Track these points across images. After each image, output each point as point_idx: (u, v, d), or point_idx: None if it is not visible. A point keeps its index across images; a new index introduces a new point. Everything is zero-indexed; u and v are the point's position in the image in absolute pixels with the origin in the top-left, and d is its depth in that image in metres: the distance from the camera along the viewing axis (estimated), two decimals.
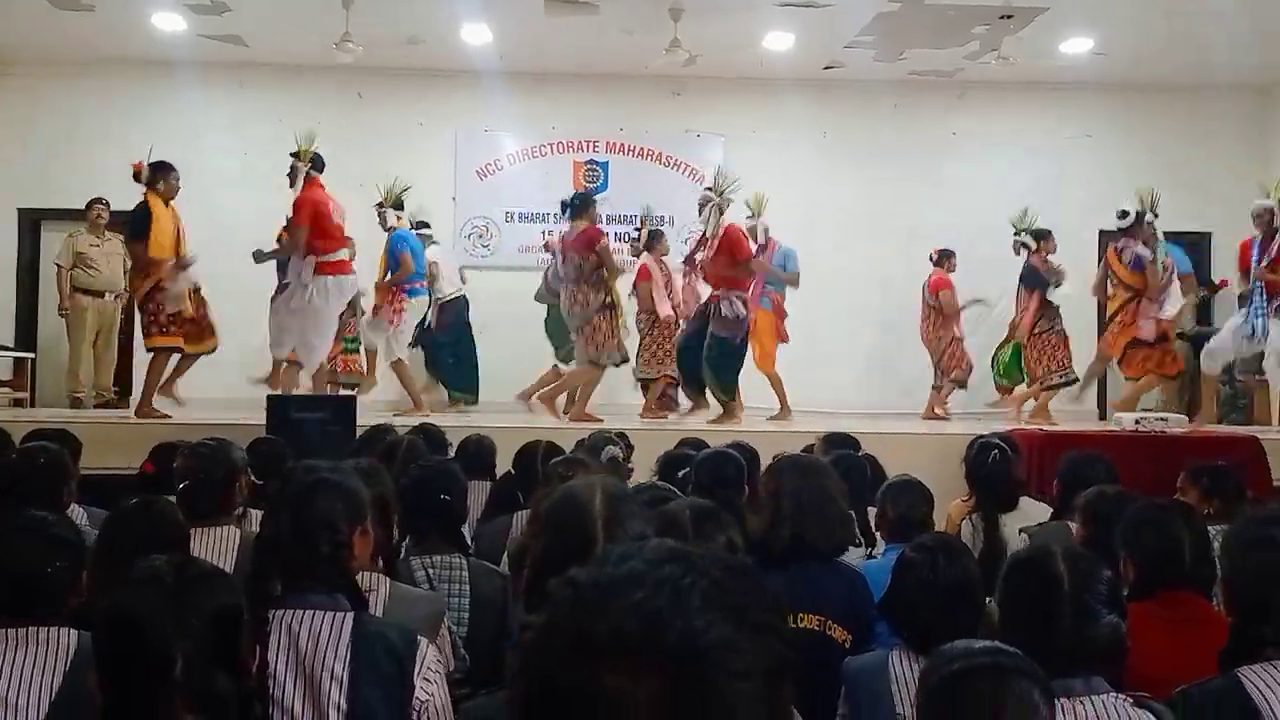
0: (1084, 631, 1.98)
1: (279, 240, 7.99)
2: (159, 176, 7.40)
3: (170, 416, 7.27)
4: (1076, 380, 8.69)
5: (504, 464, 4.93)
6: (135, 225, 7.41)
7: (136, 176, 7.42)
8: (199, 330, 7.49)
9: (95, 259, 9.04)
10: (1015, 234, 9.31)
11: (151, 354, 7.43)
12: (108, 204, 9.10)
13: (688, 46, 8.89)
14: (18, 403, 9.05)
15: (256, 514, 3.58)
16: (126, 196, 9.58)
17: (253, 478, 3.65)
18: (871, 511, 3.83)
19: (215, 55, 9.89)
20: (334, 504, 2.25)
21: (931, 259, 9.39)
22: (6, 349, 9.64)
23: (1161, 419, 7.14)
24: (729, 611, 0.80)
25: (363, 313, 8.56)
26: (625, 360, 8.09)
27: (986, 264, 9.46)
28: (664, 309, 8.48)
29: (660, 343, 8.69)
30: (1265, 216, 7.90)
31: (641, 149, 10.79)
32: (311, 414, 6.05)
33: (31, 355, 9.69)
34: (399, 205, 8.81)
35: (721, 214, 8.07)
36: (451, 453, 4.89)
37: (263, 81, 10.29)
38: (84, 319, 9.00)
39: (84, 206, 9.19)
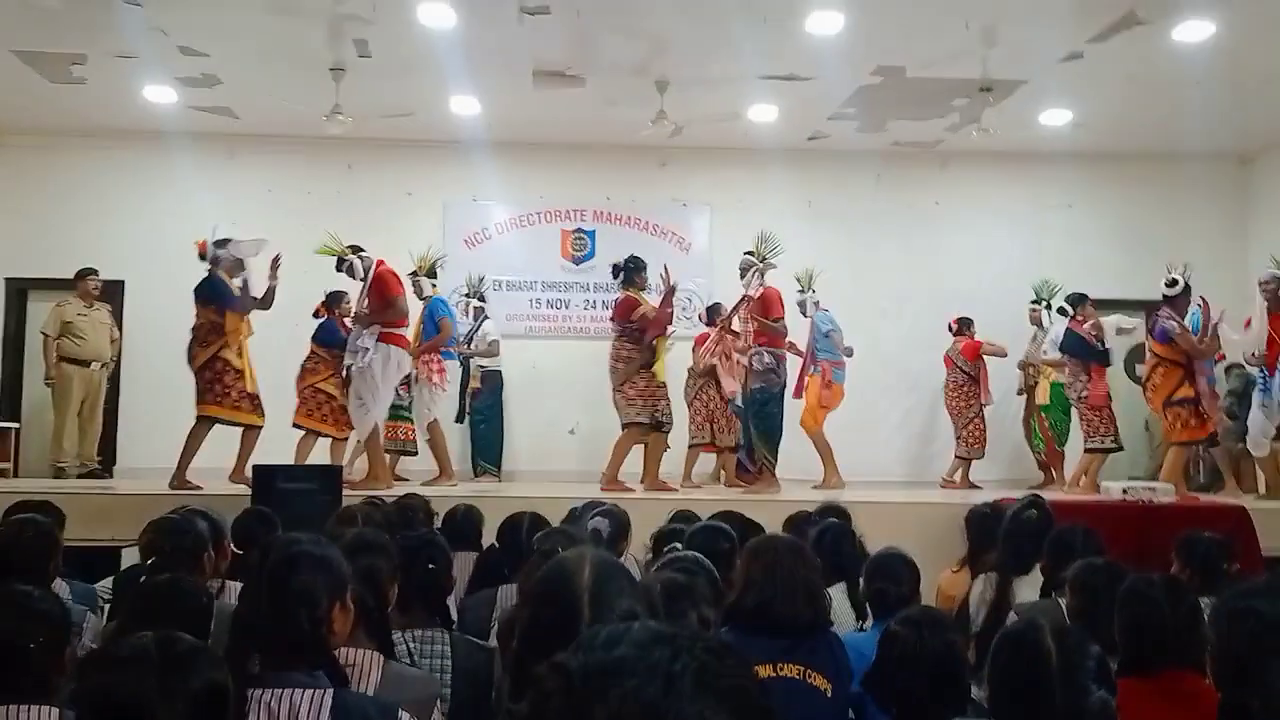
0: (1074, 708, 1.97)
1: (321, 311, 8.60)
2: (216, 258, 7.50)
3: (203, 488, 7.18)
4: (1120, 449, 8.74)
5: (490, 534, 4.89)
6: (211, 293, 7.41)
7: (202, 256, 7.50)
8: (254, 403, 7.50)
9: (83, 328, 9.05)
10: (1034, 302, 9.40)
11: (195, 423, 7.38)
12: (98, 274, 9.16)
13: (674, 118, 9.02)
14: (1, 473, 8.97)
15: (234, 586, 3.55)
16: (114, 267, 9.69)
17: (233, 548, 3.61)
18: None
19: (206, 126, 9.99)
20: (314, 577, 2.20)
21: (951, 329, 9.52)
22: None
23: (1149, 488, 7.15)
24: (719, 695, 0.81)
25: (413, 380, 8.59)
26: (664, 422, 8.11)
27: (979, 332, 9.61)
28: (729, 385, 8.53)
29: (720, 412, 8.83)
30: (1271, 285, 7.95)
31: (628, 218, 10.89)
32: (298, 484, 6.01)
33: (16, 425, 9.63)
34: (432, 274, 9.01)
35: (763, 277, 8.32)
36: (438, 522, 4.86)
37: (253, 152, 10.38)
38: (70, 388, 8.98)
39: (73, 276, 9.20)
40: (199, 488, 7.19)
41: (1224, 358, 8.83)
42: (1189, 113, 9.33)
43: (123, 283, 10.05)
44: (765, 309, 8.18)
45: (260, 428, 7.49)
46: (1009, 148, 10.08)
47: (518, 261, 10.71)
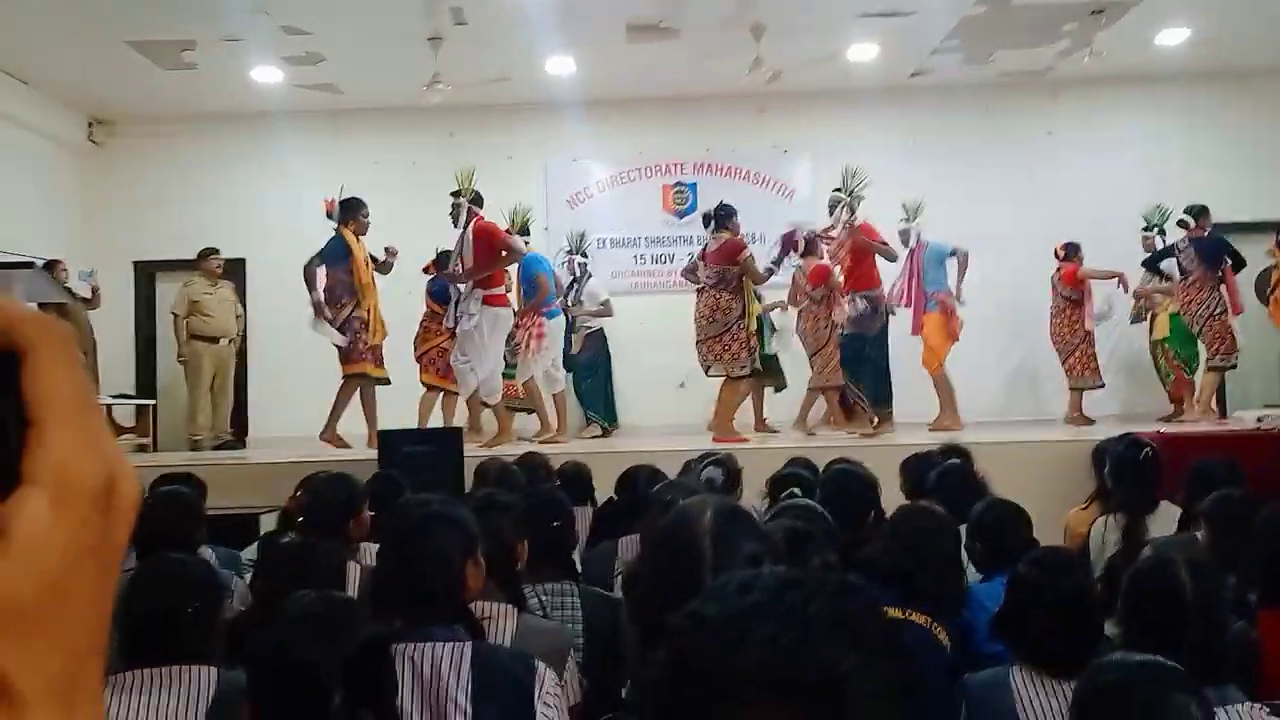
0: (1212, 642, 1.93)
1: (431, 268, 8.72)
2: (350, 212, 7.79)
3: (351, 447, 7.50)
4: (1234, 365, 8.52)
5: (602, 488, 4.98)
6: (334, 255, 7.73)
7: (329, 215, 7.78)
8: (379, 358, 7.82)
9: (210, 306, 9.39)
10: (1147, 229, 9.12)
11: (343, 381, 7.72)
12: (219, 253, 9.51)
13: (770, 64, 8.88)
14: (141, 448, 9.41)
15: (368, 546, 3.68)
16: (234, 245, 10.03)
17: (369, 512, 3.75)
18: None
19: (311, 104, 10.23)
20: (445, 537, 2.28)
21: (1058, 255, 9.25)
22: (129, 397, 10.03)
23: None
24: (855, 637, 0.82)
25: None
26: (758, 370, 8.09)
27: (1092, 262, 9.29)
28: (838, 313, 8.41)
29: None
30: None
31: (729, 168, 10.81)
32: (422, 447, 6.18)
33: (152, 402, 10.07)
34: (525, 230, 8.86)
35: (853, 213, 8.11)
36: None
37: (357, 126, 10.59)
38: (201, 364, 9.35)
39: (197, 256, 9.55)
40: (347, 446, 7.51)
41: None
42: None
43: (244, 260, 10.40)
44: (868, 237, 7.99)
45: (385, 381, 7.74)
46: (1124, 71, 9.70)
47: (620, 218, 10.74)
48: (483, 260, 7.67)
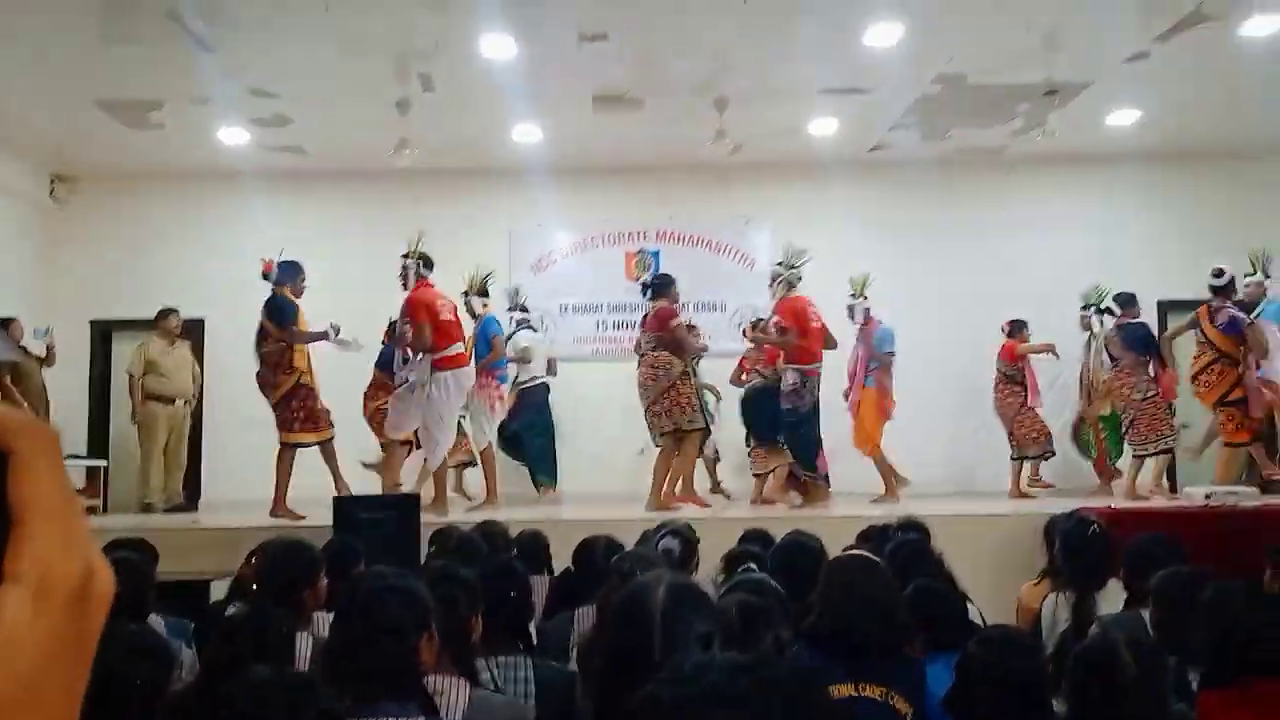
0: None
1: (385, 338, 8.51)
2: (289, 276, 7.70)
3: (305, 518, 7.26)
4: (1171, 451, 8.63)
5: (558, 557, 4.96)
6: (283, 314, 7.60)
7: (266, 275, 7.70)
8: (321, 420, 7.68)
9: (166, 366, 9.30)
10: (1084, 308, 9.29)
11: (281, 450, 7.57)
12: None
13: (733, 136, 9.06)
14: (91, 510, 9.25)
15: (324, 616, 3.63)
16: (193, 305, 9.97)
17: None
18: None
19: (277, 165, 10.26)
20: (399, 611, 2.29)
21: (1004, 330, 9.41)
22: (80, 457, 9.88)
23: (1233, 493, 6.99)
24: None
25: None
26: (706, 427, 8.13)
27: (1043, 338, 9.48)
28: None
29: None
30: None
31: (692, 236, 10.94)
32: (377, 514, 6.13)
33: (104, 463, 9.93)
34: (484, 292, 8.96)
35: (791, 288, 8.16)
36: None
37: (322, 188, 10.63)
38: (156, 425, 9.23)
39: (155, 316, 9.48)
40: (301, 517, 7.31)
41: None
42: (1258, 108, 9.16)
43: (203, 321, 10.34)
44: (792, 320, 7.98)
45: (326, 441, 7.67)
46: (1076, 150, 9.96)
47: (583, 285, 10.82)
48: (418, 330, 7.60)
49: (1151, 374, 8.51)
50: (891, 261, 10.19)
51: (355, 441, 8.38)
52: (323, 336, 7.65)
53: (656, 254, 10.89)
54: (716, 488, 9.10)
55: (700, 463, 8.80)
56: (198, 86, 8.40)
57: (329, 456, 7.67)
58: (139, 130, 9.35)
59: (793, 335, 7.96)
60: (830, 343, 8.20)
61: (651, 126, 9.44)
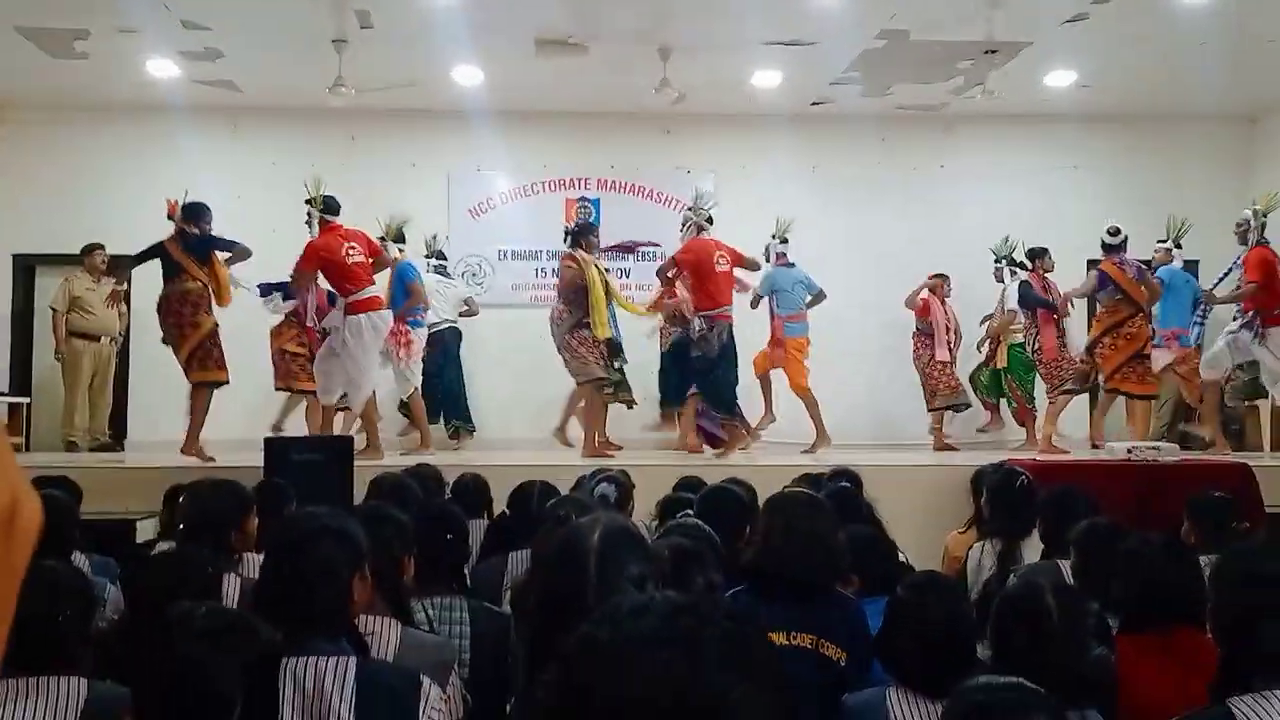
0: (1074, 666, 2.02)
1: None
2: (194, 217, 7.48)
3: (215, 459, 7.17)
4: (1080, 391, 8.82)
5: (498, 500, 4.96)
6: (205, 249, 7.42)
7: (170, 216, 7.47)
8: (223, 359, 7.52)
9: (92, 303, 9.07)
10: (996, 261, 9.48)
11: (197, 389, 7.40)
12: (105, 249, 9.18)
13: (677, 85, 8.99)
14: (14, 448, 9.02)
15: (252, 558, 3.60)
16: (122, 241, 9.70)
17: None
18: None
19: (208, 100, 9.98)
20: (333, 551, 2.26)
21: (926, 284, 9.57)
22: (2, 394, 9.64)
23: (1154, 448, 7.18)
24: (742, 666, 0.85)
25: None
26: (607, 379, 8.16)
27: (979, 293, 9.67)
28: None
29: None
30: (1241, 228, 8.19)
31: (633, 185, 10.88)
32: (310, 455, 6.07)
33: (26, 400, 9.70)
34: (400, 238, 8.89)
35: (700, 231, 8.10)
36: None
37: (256, 125, 10.38)
38: (80, 363, 9.03)
39: (80, 251, 9.23)
40: (212, 459, 7.21)
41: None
42: (1194, 73, 9.30)
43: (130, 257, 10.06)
44: (694, 262, 7.87)
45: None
46: (1014, 110, 10.06)
47: (523, 231, 10.73)
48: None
49: (1036, 330, 8.81)
50: (831, 214, 10.26)
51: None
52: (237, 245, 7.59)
53: (597, 202, 10.82)
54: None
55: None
56: (124, 15, 8.11)
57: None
58: (63, 59, 9.02)
59: (674, 272, 8.03)
60: (742, 287, 8.34)
61: (595, 74, 9.33)
